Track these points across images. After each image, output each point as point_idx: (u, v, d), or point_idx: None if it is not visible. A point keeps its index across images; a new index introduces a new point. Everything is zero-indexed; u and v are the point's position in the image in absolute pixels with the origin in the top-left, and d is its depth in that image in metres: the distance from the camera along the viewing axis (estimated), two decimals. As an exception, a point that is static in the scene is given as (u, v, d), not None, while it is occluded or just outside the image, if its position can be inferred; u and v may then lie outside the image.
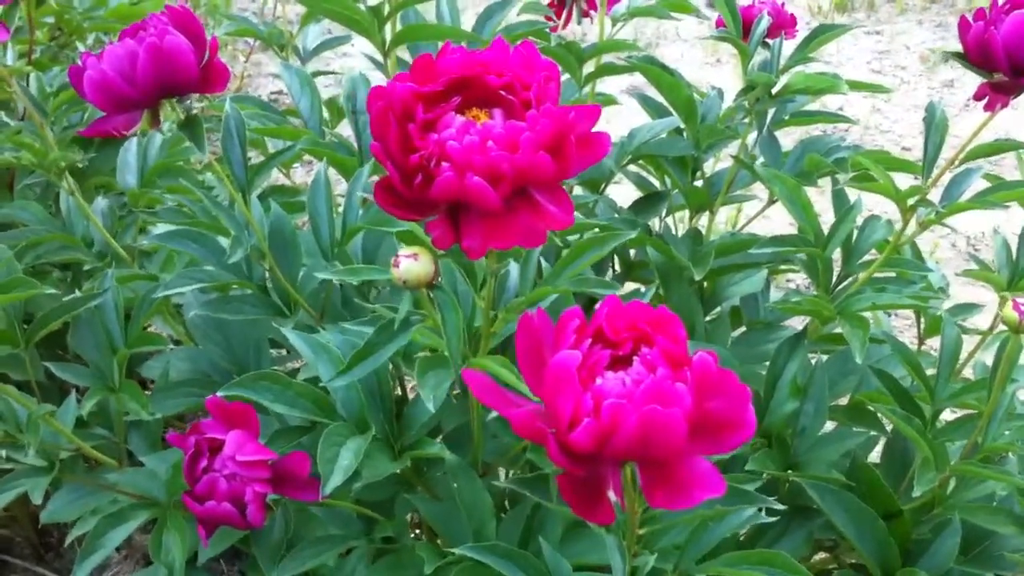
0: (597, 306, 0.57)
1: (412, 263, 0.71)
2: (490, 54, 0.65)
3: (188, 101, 0.92)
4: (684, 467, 0.53)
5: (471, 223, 0.63)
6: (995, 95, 0.98)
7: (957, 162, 1.05)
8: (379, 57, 1.25)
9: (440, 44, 1.27)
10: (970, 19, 0.97)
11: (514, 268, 0.84)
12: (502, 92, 0.64)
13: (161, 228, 1.13)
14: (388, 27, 1.23)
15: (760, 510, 0.71)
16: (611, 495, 0.53)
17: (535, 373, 0.55)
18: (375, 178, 0.94)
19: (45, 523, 1.14)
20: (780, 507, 0.69)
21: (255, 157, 1.47)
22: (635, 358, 0.55)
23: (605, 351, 0.55)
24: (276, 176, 1.66)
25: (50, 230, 1.30)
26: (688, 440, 0.52)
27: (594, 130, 0.65)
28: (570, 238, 1.08)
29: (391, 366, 1.06)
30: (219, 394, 0.86)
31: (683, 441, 0.51)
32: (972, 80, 1.00)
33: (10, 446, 1.03)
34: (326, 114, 1.37)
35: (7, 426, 1.04)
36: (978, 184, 1.08)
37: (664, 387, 0.52)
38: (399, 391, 1.15)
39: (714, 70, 3.35)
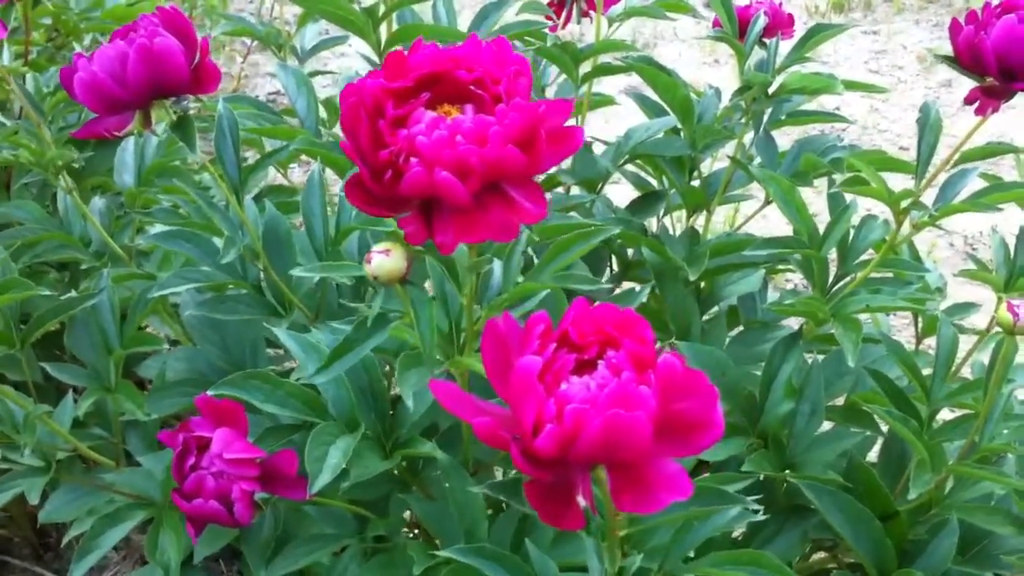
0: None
1: (384, 259, 0.71)
2: (462, 50, 0.65)
3: (184, 102, 0.92)
4: (651, 470, 0.53)
5: (443, 218, 0.63)
6: (986, 99, 0.97)
7: (952, 163, 1.04)
8: (375, 58, 1.25)
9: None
10: (962, 22, 0.97)
11: (497, 265, 0.84)
12: (472, 87, 0.64)
13: (158, 228, 1.13)
14: (384, 27, 1.23)
15: (747, 509, 0.71)
16: (580, 500, 0.53)
17: (502, 377, 0.54)
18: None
19: (43, 523, 1.14)
20: (757, 508, 0.69)
21: (252, 157, 1.47)
22: (600, 362, 0.54)
23: (571, 355, 0.55)
24: (274, 176, 1.66)
25: (47, 229, 1.31)
26: (654, 442, 0.51)
27: (567, 124, 0.65)
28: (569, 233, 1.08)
29: (387, 366, 1.06)
30: (209, 393, 0.86)
31: (648, 444, 0.51)
32: (969, 80, 1.00)
33: (6, 446, 1.03)
34: (323, 114, 1.37)
35: (3, 427, 1.04)
36: (975, 184, 1.07)
37: (628, 390, 0.51)
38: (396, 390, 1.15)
39: (712, 70, 3.34)
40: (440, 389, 0.56)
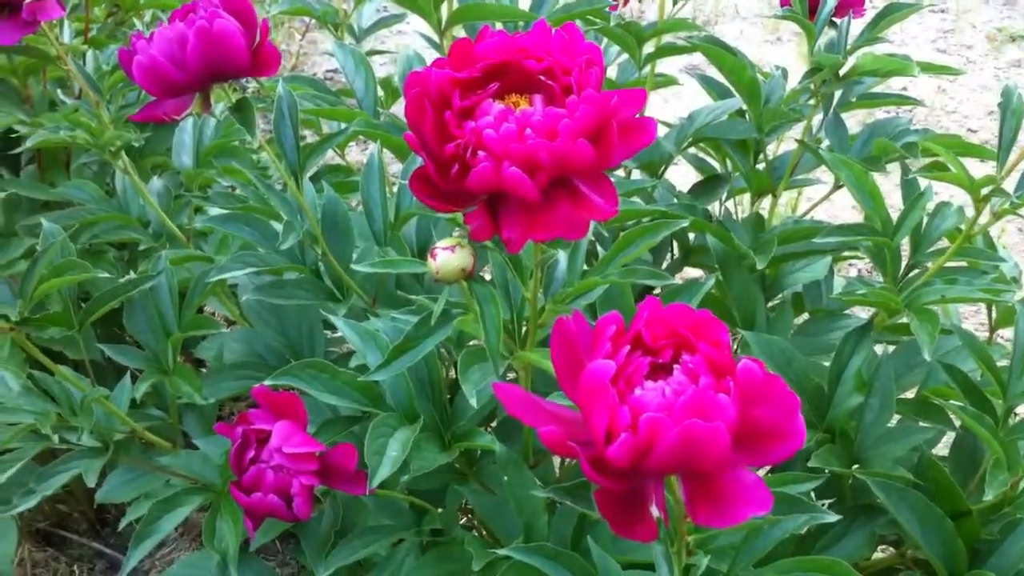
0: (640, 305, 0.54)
1: (449, 256, 0.69)
2: (530, 38, 0.62)
3: (244, 83, 0.90)
4: (728, 481, 0.50)
5: (510, 214, 0.61)
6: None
7: (1035, 149, 1.00)
8: (435, 37, 1.23)
9: (500, 24, 1.25)
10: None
11: (563, 258, 0.81)
12: (541, 77, 0.62)
13: (216, 210, 1.13)
14: (444, 6, 1.21)
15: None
16: (654, 510, 0.50)
17: (571, 380, 0.52)
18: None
19: (100, 503, 1.15)
20: (834, 517, 0.66)
21: (310, 137, 1.46)
22: (676, 366, 0.52)
23: (644, 359, 0.52)
24: (331, 155, 1.64)
25: (105, 210, 1.31)
26: (731, 453, 0.49)
27: (640, 115, 0.62)
28: (628, 224, 1.05)
29: (444, 351, 1.05)
30: (266, 383, 0.84)
31: (727, 455, 0.48)
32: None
33: (64, 428, 1.03)
34: (381, 93, 1.35)
35: (61, 408, 1.04)
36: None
37: (706, 399, 0.49)
38: (454, 374, 1.14)
39: (774, 48, 3.28)
40: (504, 392, 0.54)
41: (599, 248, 1.18)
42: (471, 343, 0.84)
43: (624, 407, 0.49)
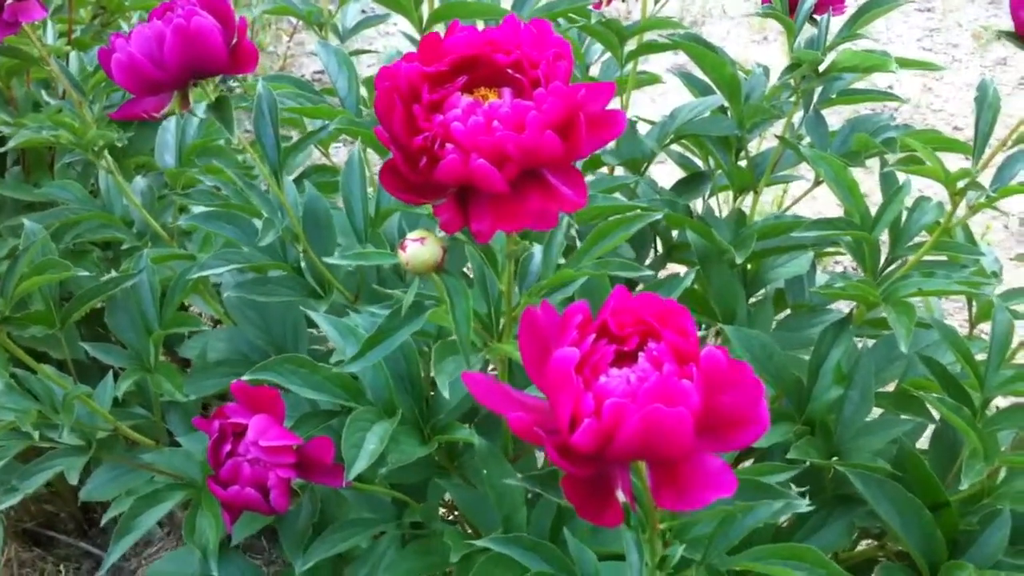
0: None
1: (419, 248, 0.69)
2: (499, 32, 0.63)
3: (229, 81, 0.91)
4: (692, 466, 0.51)
5: (480, 206, 0.61)
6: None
7: (1010, 143, 1.01)
8: (417, 36, 1.24)
9: (482, 23, 1.26)
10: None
11: (538, 251, 0.82)
12: (510, 71, 0.62)
13: (199, 209, 1.13)
14: (425, 5, 1.22)
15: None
16: (620, 496, 0.51)
17: (539, 368, 0.53)
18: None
19: (84, 501, 1.15)
20: (807, 504, 0.67)
21: (294, 137, 1.46)
22: (641, 354, 0.52)
23: (610, 347, 0.52)
24: (316, 155, 1.65)
25: (89, 209, 1.31)
26: (695, 439, 0.49)
27: (609, 108, 0.62)
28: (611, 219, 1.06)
29: (427, 348, 1.05)
30: (245, 378, 0.85)
31: (690, 440, 0.49)
32: (1026, 58, 0.96)
33: (46, 426, 1.03)
34: (365, 92, 1.35)
35: (43, 406, 1.04)
36: (1032, 165, 1.04)
37: (669, 384, 0.49)
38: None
39: (760, 48, 3.29)
40: (473, 381, 0.54)
41: (579, 244, 1.19)
42: (451, 337, 0.85)
43: (588, 393, 0.49)
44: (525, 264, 0.82)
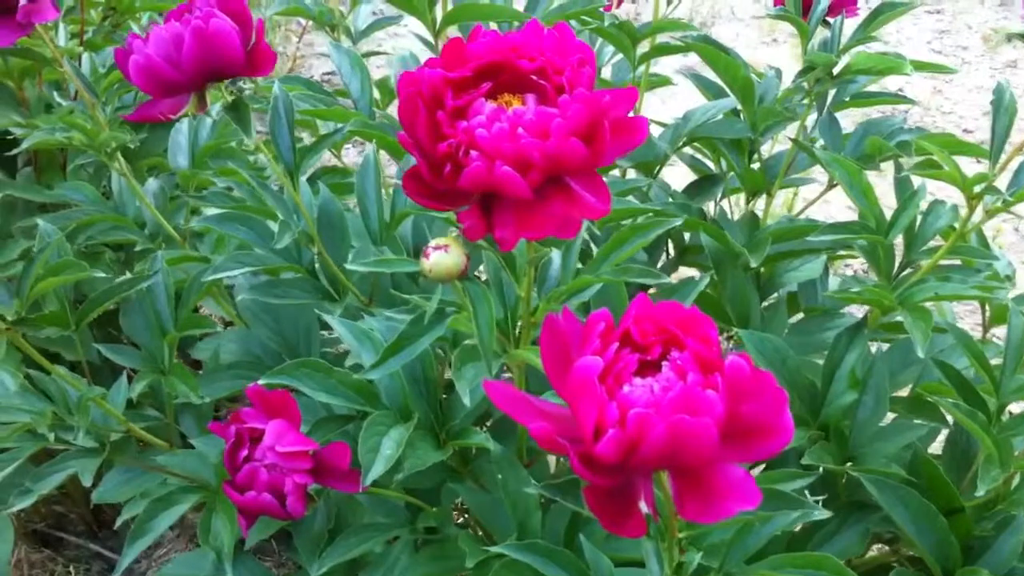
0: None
1: (442, 255, 0.69)
2: (522, 37, 0.63)
3: (240, 83, 0.91)
4: (715, 476, 0.50)
5: (503, 213, 0.61)
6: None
7: (1026, 147, 1.00)
8: (429, 37, 1.24)
9: (494, 24, 1.26)
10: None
11: (556, 257, 0.82)
12: (534, 77, 0.62)
13: (212, 210, 1.13)
14: (439, 6, 1.21)
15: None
16: (643, 506, 0.51)
17: (561, 376, 0.52)
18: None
19: (96, 503, 1.15)
20: (825, 513, 0.66)
21: (306, 138, 1.46)
22: (664, 363, 0.52)
23: (633, 356, 0.52)
24: (327, 157, 1.64)
25: (102, 211, 1.31)
26: (719, 449, 0.49)
27: (632, 114, 0.62)
28: (624, 223, 1.06)
29: (440, 351, 1.05)
30: (260, 382, 0.85)
31: (714, 450, 0.49)
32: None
33: (60, 427, 1.03)
34: (377, 95, 1.35)
35: (57, 407, 1.04)
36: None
37: (694, 395, 0.49)
38: (449, 373, 1.14)
39: (770, 50, 3.28)
40: (495, 390, 0.54)
41: (594, 248, 1.19)
42: (466, 342, 0.84)
43: (612, 403, 0.49)
44: (544, 270, 0.82)
